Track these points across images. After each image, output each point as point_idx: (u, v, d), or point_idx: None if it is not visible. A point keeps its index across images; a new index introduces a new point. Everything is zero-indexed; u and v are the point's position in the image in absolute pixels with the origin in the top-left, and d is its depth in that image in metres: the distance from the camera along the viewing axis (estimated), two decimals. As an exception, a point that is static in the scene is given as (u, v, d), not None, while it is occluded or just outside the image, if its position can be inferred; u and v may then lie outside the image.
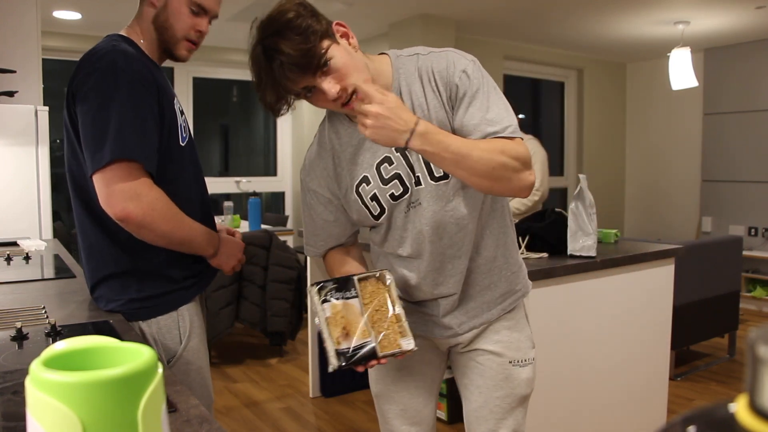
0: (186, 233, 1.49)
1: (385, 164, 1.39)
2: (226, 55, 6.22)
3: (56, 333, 1.30)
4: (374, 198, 1.42)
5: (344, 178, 1.44)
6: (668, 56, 5.15)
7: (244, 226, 4.85)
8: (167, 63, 1.64)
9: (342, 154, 1.43)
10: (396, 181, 1.39)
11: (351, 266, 1.58)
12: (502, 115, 1.32)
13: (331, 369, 1.29)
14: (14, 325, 1.29)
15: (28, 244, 2.62)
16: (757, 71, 5.68)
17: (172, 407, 0.95)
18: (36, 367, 0.52)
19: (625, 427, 2.69)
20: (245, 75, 6.58)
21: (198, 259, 1.60)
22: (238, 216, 4.96)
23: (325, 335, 1.30)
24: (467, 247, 1.43)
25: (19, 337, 1.26)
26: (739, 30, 5.31)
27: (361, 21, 5.30)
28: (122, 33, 1.57)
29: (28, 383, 0.52)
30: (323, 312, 1.32)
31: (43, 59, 3.73)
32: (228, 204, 4.93)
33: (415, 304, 1.52)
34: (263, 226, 4.76)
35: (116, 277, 1.53)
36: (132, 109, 1.40)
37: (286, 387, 3.74)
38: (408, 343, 1.32)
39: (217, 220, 5.21)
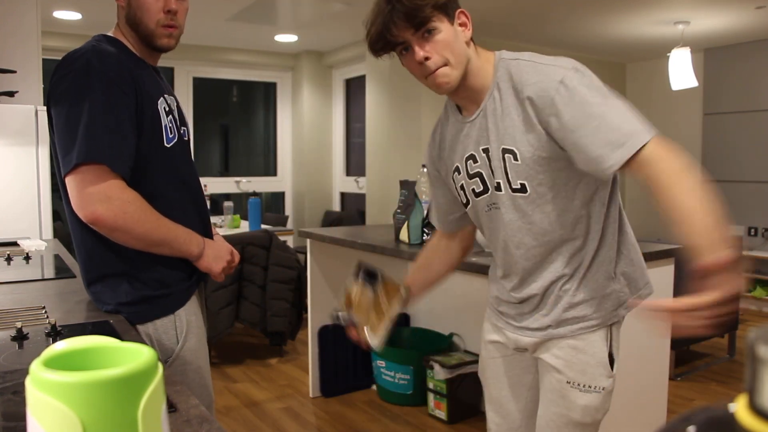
0: (163, 234, 1.46)
1: (470, 161, 1.43)
2: (226, 55, 6.22)
3: (56, 333, 1.29)
4: (462, 188, 1.49)
5: (445, 162, 1.52)
6: (668, 56, 5.15)
7: (244, 226, 4.85)
8: (167, 62, 1.64)
9: (445, 140, 1.51)
10: (477, 179, 1.43)
11: (434, 263, 1.73)
12: (625, 121, 1.21)
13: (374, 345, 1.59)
14: (14, 325, 1.29)
15: (28, 244, 2.62)
16: (757, 71, 5.68)
17: (172, 407, 0.95)
18: (36, 367, 0.52)
19: (625, 427, 2.69)
20: (245, 75, 6.61)
21: (191, 274, 1.59)
22: (238, 216, 4.96)
23: (365, 317, 1.58)
24: (541, 259, 1.42)
25: (20, 337, 1.25)
26: (739, 30, 5.31)
27: (361, 21, 5.30)
28: (109, 33, 1.56)
29: (29, 383, 0.52)
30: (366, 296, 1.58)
31: (44, 59, 3.73)
32: (228, 204, 4.93)
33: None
34: (263, 226, 4.76)
35: (109, 278, 1.52)
36: (104, 110, 1.38)
37: (286, 387, 3.74)
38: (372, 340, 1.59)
39: (217, 220, 5.21)
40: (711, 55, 6.00)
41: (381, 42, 1.34)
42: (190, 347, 1.57)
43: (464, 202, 1.51)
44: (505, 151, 1.35)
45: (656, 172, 1.19)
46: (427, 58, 1.29)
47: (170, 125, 1.55)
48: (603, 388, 1.43)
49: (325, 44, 6.29)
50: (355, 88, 6.61)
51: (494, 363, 1.68)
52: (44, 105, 1.50)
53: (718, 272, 1.09)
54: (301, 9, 5.00)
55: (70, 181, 1.38)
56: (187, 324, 1.56)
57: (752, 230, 5.76)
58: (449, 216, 1.64)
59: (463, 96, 1.40)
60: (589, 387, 1.43)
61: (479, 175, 1.42)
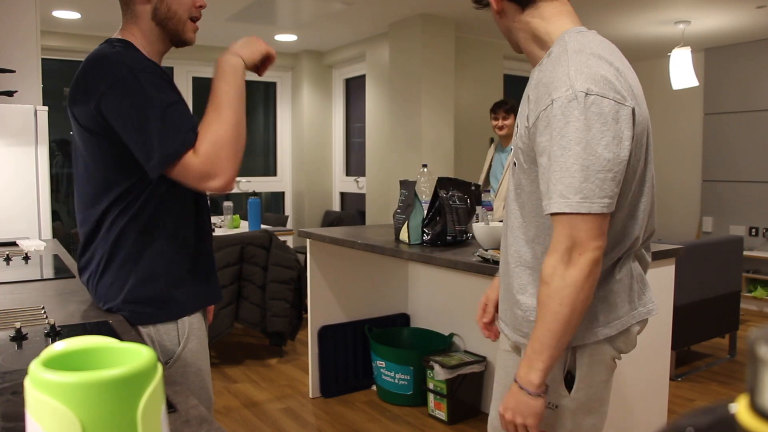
0: (230, 122, 1.42)
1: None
2: (226, 55, 6.21)
3: (55, 333, 1.29)
4: None
5: None
6: (669, 56, 5.15)
7: (244, 226, 4.85)
8: (167, 62, 1.63)
9: None
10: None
11: None
12: (563, 179, 1.21)
13: None
14: (13, 325, 1.28)
15: (27, 244, 2.61)
16: (758, 71, 5.68)
17: (171, 408, 0.95)
18: (35, 367, 0.52)
19: (625, 427, 2.69)
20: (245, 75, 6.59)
21: (203, 281, 1.59)
22: (237, 216, 4.96)
23: None
24: (506, 253, 1.46)
25: (19, 338, 1.25)
26: (739, 30, 5.31)
27: (361, 21, 5.30)
28: (119, 37, 1.55)
29: (28, 383, 0.51)
30: None
31: (43, 59, 3.73)
32: (227, 204, 4.93)
33: None
34: (263, 226, 4.75)
35: (120, 274, 1.51)
36: (161, 105, 1.38)
37: (285, 387, 3.74)
38: None
39: (217, 220, 5.20)
40: (711, 55, 6.00)
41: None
42: (191, 349, 1.56)
43: None
44: (517, 124, 1.41)
45: (546, 254, 1.28)
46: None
47: None
48: (556, 406, 1.40)
49: (324, 44, 6.29)
50: (355, 88, 6.61)
51: (501, 355, 1.64)
52: (71, 105, 1.48)
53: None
54: (300, 9, 5.00)
55: (172, 176, 1.38)
56: (189, 326, 1.56)
57: (753, 230, 5.76)
58: None
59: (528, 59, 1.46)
60: (548, 403, 1.40)
61: None
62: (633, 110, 1.22)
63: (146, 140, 1.37)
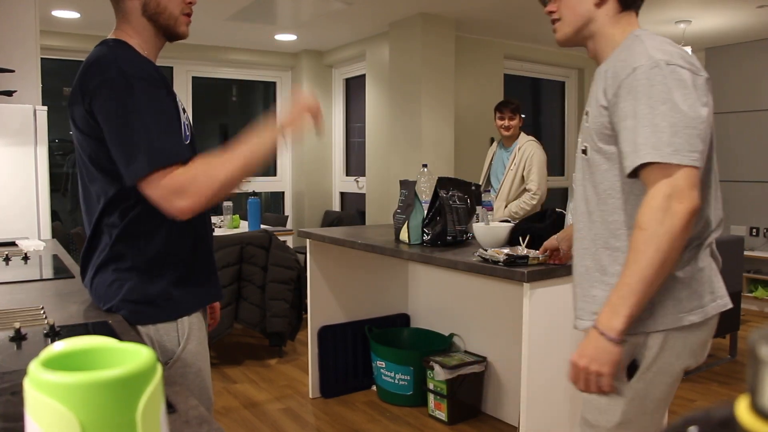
0: (238, 165, 1.43)
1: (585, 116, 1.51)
2: (226, 55, 6.21)
3: (55, 333, 1.28)
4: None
5: None
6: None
7: (244, 226, 4.84)
8: (166, 62, 1.64)
9: None
10: (581, 137, 1.51)
11: None
12: (653, 133, 1.26)
13: None
14: (13, 325, 1.28)
15: (26, 245, 2.61)
16: (759, 71, 5.68)
17: (171, 408, 0.94)
18: (35, 367, 0.51)
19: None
20: (244, 74, 6.60)
21: (203, 280, 1.58)
22: (237, 216, 4.95)
23: None
24: (590, 236, 1.45)
25: (18, 338, 1.25)
26: (740, 29, 5.31)
27: (361, 20, 5.30)
28: (114, 37, 1.54)
29: (27, 384, 0.51)
30: None
31: (42, 58, 3.72)
32: (227, 204, 4.92)
33: None
34: (262, 226, 4.75)
35: (121, 273, 1.50)
36: (155, 112, 1.39)
37: (285, 388, 3.73)
38: None
39: (217, 220, 5.20)
40: (712, 55, 6.00)
41: None
42: (191, 350, 1.56)
43: None
44: (585, 112, 1.46)
45: (642, 203, 1.29)
46: (550, 12, 1.49)
47: (186, 122, 1.57)
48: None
49: (324, 43, 6.29)
50: (354, 88, 6.61)
51: None
52: (70, 106, 1.48)
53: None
54: (300, 8, 5.00)
55: (145, 186, 1.37)
56: (189, 326, 1.55)
57: (754, 230, 5.75)
58: None
59: (592, 54, 1.51)
60: None
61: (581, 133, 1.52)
62: (707, 80, 1.34)
63: (128, 146, 1.37)
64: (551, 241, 2.18)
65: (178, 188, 1.36)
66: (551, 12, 1.49)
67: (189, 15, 1.57)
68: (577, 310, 1.51)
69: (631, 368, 1.39)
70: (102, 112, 1.39)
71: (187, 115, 1.62)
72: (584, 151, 1.45)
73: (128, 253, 1.49)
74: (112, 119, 1.38)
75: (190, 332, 1.55)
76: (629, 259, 1.27)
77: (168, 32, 1.56)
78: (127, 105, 1.37)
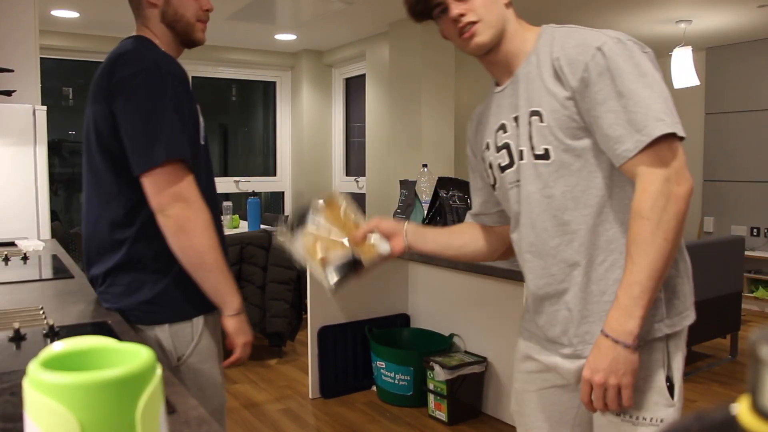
0: (216, 261, 1.47)
1: (501, 131, 1.34)
2: (226, 55, 6.21)
3: (54, 334, 1.28)
4: (491, 166, 1.38)
5: (479, 142, 1.44)
6: (670, 55, 5.15)
7: (243, 226, 4.84)
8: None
9: (481, 119, 1.43)
10: (505, 150, 1.33)
11: (459, 231, 1.58)
12: (655, 105, 1.14)
13: (329, 290, 1.41)
14: (12, 325, 1.28)
15: (26, 245, 2.60)
16: (760, 70, 5.68)
17: (171, 408, 0.94)
18: (34, 368, 0.51)
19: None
20: (245, 74, 6.60)
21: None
22: (237, 216, 4.95)
23: (311, 263, 1.43)
24: (573, 248, 1.25)
25: (17, 338, 1.24)
26: (741, 29, 5.30)
27: (361, 20, 5.30)
28: (136, 35, 1.56)
29: (26, 384, 0.51)
30: (300, 243, 1.45)
31: (41, 58, 3.72)
32: (227, 204, 4.92)
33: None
34: (262, 226, 4.75)
35: (138, 274, 1.52)
36: (177, 109, 1.43)
37: (285, 388, 3.73)
38: (384, 248, 1.43)
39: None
40: (713, 54, 5.99)
41: (419, 6, 1.31)
42: (204, 346, 1.58)
43: (492, 183, 1.40)
44: (532, 113, 1.26)
45: (638, 191, 1.15)
46: (461, 15, 1.26)
47: (203, 125, 1.60)
48: (661, 420, 1.22)
49: (324, 43, 6.28)
50: (354, 88, 6.61)
51: (529, 397, 1.45)
52: (94, 101, 1.49)
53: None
54: (300, 8, 5.00)
55: (152, 176, 1.40)
56: (203, 325, 1.57)
57: (755, 230, 5.75)
58: (484, 206, 1.51)
59: (496, 61, 1.33)
60: (644, 419, 1.22)
61: (506, 146, 1.33)
62: (653, 55, 1.23)
63: (149, 134, 1.39)
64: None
65: (185, 196, 1.42)
66: (461, 15, 1.26)
67: (205, 21, 1.62)
68: (577, 336, 1.28)
69: (669, 386, 1.23)
70: (131, 99, 1.41)
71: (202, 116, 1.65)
72: (543, 156, 1.25)
73: (146, 254, 1.51)
74: (140, 107, 1.41)
75: (204, 328, 1.57)
76: (635, 253, 1.14)
77: (185, 39, 1.60)
78: (158, 97, 1.41)
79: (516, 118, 1.30)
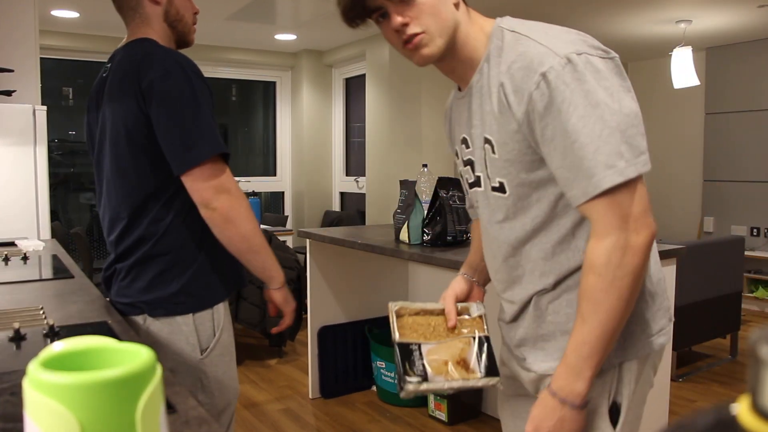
0: (262, 242, 1.55)
1: (464, 145, 1.25)
2: (225, 54, 6.21)
3: (54, 334, 1.28)
4: (461, 175, 1.32)
5: (453, 139, 1.35)
6: (670, 55, 5.15)
7: (244, 226, 4.83)
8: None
9: (450, 114, 1.34)
10: (469, 167, 1.25)
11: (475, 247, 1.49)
12: (602, 147, 1.01)
13: (403, 393, 1.25)
14: (12, 325, 1.28)
15: (26, 245, 2.60)
16: (760, 70, 5.68)
17: (171, 408, 0.94)
18: (34, 368, 0.51)
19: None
20: (244, 74, 6.59)
21: (231, 265, 1.62)
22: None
23: (458, 381, 1.26)
24: (535, 277, 1.20)
25: (17, 338, 1.24)
26: (741, 29, 5.30)
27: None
28: (143, 37, 1.56)
29: (26, 384, 0.51)
30: (431, 383, 1.26)
31: (41, 58, 3.72)
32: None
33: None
34: (262, 227, 4.75)
35: (162, 266, 1.54)
36: (208, 107, 1.48)
37: (285, 388, 3.73)
38: (480, 309, 1.36)
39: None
40: (713, 54, 5.99)
41: (354, 11, 1.14)
42: (225, 339, 1.62)
43: (467, 187, 1.33)
44: (485, 140, 1.16)
45: (592, 240, 1.06)
46: (404, 25, 1.11)
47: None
48: None
49: (324, 43, 6.28)
50: (354, 88, 6.61)
51: (508, 403, 1.44)
52: (112, 99, 1.52)
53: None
54: (300, 8, 4.99)
55: (195, 173, 1.45)
56: (223, 314, 1.61)
57: (755, 230, 5.75)
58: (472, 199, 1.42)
59: (450, 69, 1.21)
60: None
61: (470, 162, 1.24)
62: (617, 60, 1.10)
63: (190, 132, 1.43)
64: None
65: (227, 188, 1.47)
66: (405, 25, 1.11)
67: (194, 24, 1.65)
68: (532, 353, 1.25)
69: (613, 411, 1.18)
70: (166, 101, 1.44)
71: None
72: (499, 189, 1.17)
73: (174, 245, 1.54)
74: (177, 106, 1.44)
75: (225, 322, 1.62)
76: (585, 311, 1.06)
77: (181, 39, 1.62)
78: (191, 98, 1.44)
79: (473, 138, 1.22)
